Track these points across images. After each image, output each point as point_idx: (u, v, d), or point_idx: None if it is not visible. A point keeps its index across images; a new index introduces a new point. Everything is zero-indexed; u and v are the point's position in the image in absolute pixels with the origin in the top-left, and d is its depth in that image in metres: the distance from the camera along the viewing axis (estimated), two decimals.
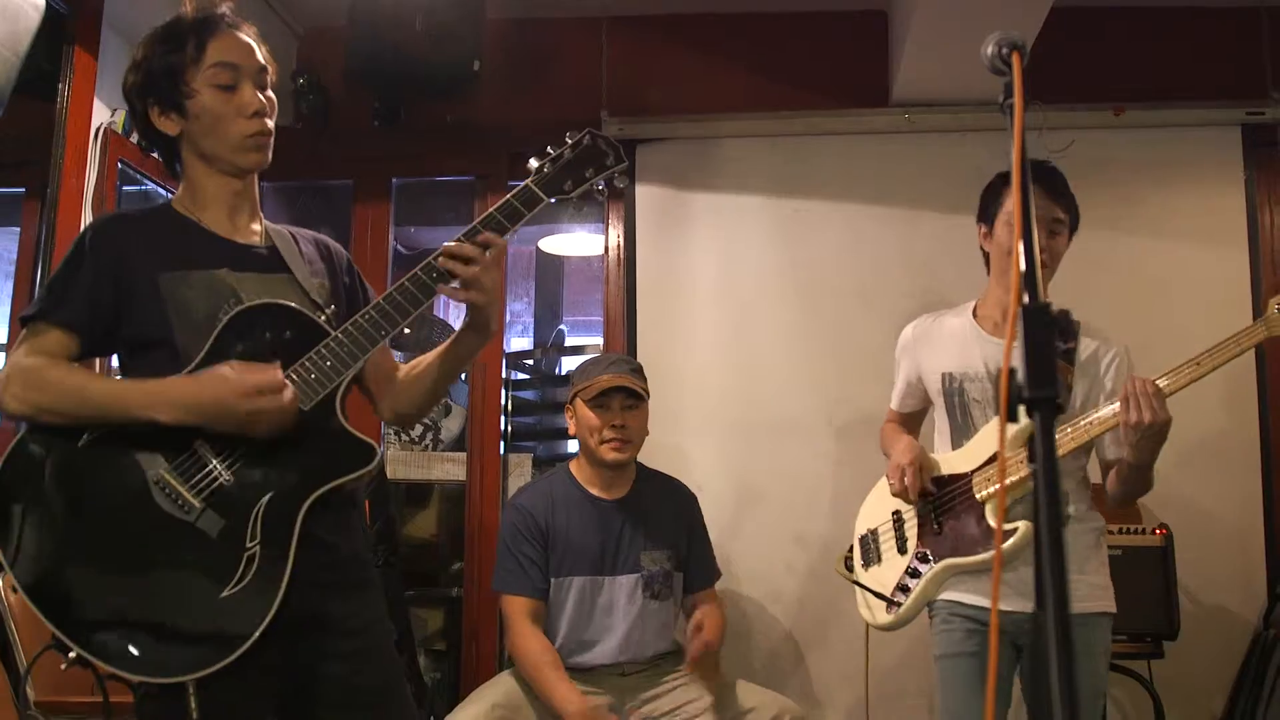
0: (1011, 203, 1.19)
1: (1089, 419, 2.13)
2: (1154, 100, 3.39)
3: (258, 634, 1.53)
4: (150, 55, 1.70)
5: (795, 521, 3.38)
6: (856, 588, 2.46)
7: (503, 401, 3.72)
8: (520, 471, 3.67)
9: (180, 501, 1.57)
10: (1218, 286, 3.31)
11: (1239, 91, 3.39)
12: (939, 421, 2.41)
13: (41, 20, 2.49)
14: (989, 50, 1.22)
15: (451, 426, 3.87)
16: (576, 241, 4.88)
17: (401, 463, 3.73)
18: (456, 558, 3.81)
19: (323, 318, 1.71)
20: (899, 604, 2.32)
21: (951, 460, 2.33)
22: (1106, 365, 2.25)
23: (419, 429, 3.82)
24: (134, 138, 1.78)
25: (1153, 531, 2.90)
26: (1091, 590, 2.20)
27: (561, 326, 5.20)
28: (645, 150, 3.58)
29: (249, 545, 1.57)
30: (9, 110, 2.46)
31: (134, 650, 1.51)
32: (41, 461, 1.58)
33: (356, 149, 3.71)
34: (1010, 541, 2.13)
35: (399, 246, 4.01)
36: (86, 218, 2.80)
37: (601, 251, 3.70)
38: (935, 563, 2.29)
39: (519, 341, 5.26)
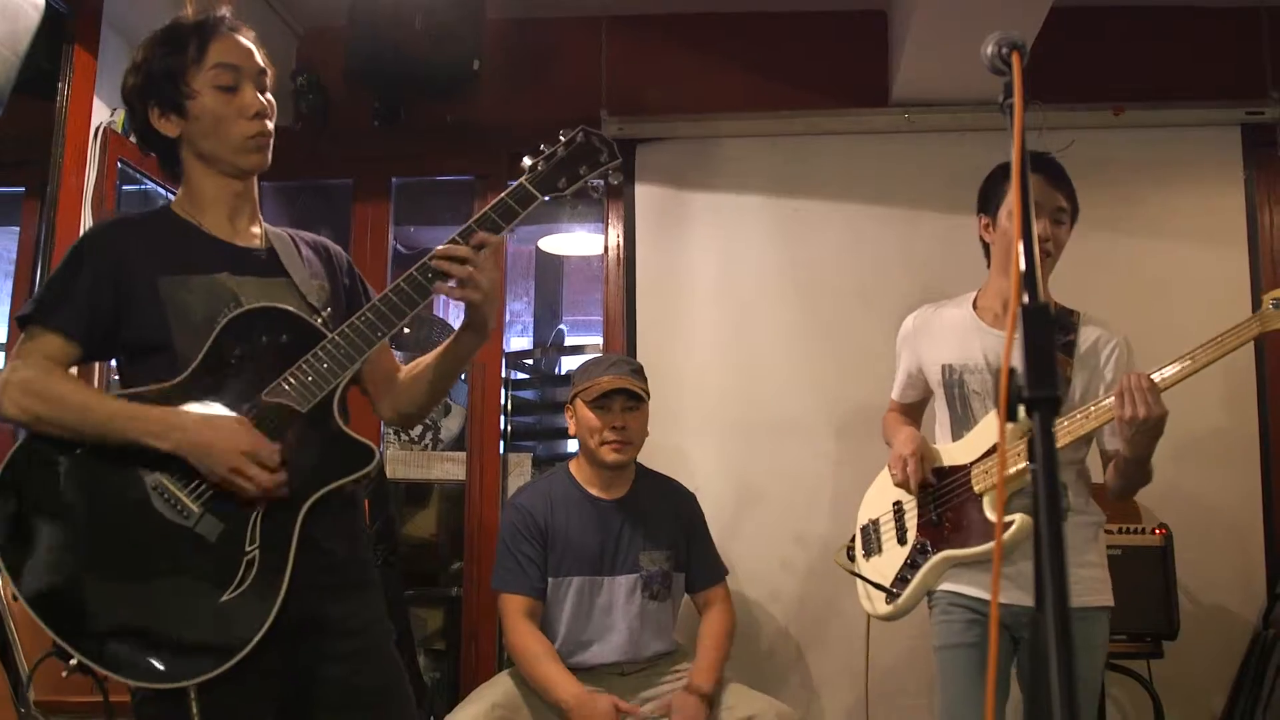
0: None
1: (1086, 411, 2.14)
2: (1154, 100, 3.39)
3: (258, 638, 1.53)
4: (150, 57, 1.70)
5: (795, 521, 3.38)
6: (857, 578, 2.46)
7: (502, 401, 3.73)
8: (520, 471, 3.67)
9: (179, 507, 1.57)
10: (1217, 286, 3.31)
11: (1239, 91, 3.39)
12: (939, 413, 2.41)
13: (41, 19, 2.49)
14: (989, 50, 1.22)
15: (451, 426, 3.87)
16: (576, 241, 4.88)
17: (401, 462, 3.73)
18: (456, 557, 3.82)
19: (319, 321, 1.71)
20: (898, 594, 2.33)
21: (951, 451, 2.33)
22: (1106, 356, 2.26)
23: (419, 428, 3.82)
24: (134, 137, 1.78)
25: (1152, 531, 2.90)
26: (1089, 584, 2.20)
27: (561, 326, 5.20)
28: (645, 150, 3.58)
29: (248, 549, 1.57)
30: (9, 109, 2.46)
31: (135, 656, 1.51)
32: (40, 468, 1.58)
33: (356, 149, 3.71)
34: (1007, 534, 2.14)
35: (399, 246, 4.01)
36: (86, 217, 2.80)
37: (601, 251, 3.70)
38: (934, 553, 2.29)
39: (518, 341, 5.26)
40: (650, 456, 2.91)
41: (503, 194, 1.73)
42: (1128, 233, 3.37)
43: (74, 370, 1.70)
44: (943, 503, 2.31)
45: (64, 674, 1.53)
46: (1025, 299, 0.96)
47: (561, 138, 1.77)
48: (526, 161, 1.76)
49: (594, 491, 2.79)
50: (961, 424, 2.34)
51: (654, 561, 2.76)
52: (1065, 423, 2.15)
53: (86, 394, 1.65)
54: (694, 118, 3.57)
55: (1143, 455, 2.11)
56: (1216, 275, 3.34)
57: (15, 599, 1.54)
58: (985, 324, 2.33)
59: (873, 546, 2.45)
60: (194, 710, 1.51)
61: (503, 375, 3.76)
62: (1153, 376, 2.03)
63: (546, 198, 1.75)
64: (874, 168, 3.51)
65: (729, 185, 3.57)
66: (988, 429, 2.27)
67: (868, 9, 3.58)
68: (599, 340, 3.76)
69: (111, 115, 2.88)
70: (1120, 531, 2.84)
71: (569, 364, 4.37)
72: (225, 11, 1.73)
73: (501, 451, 3.67)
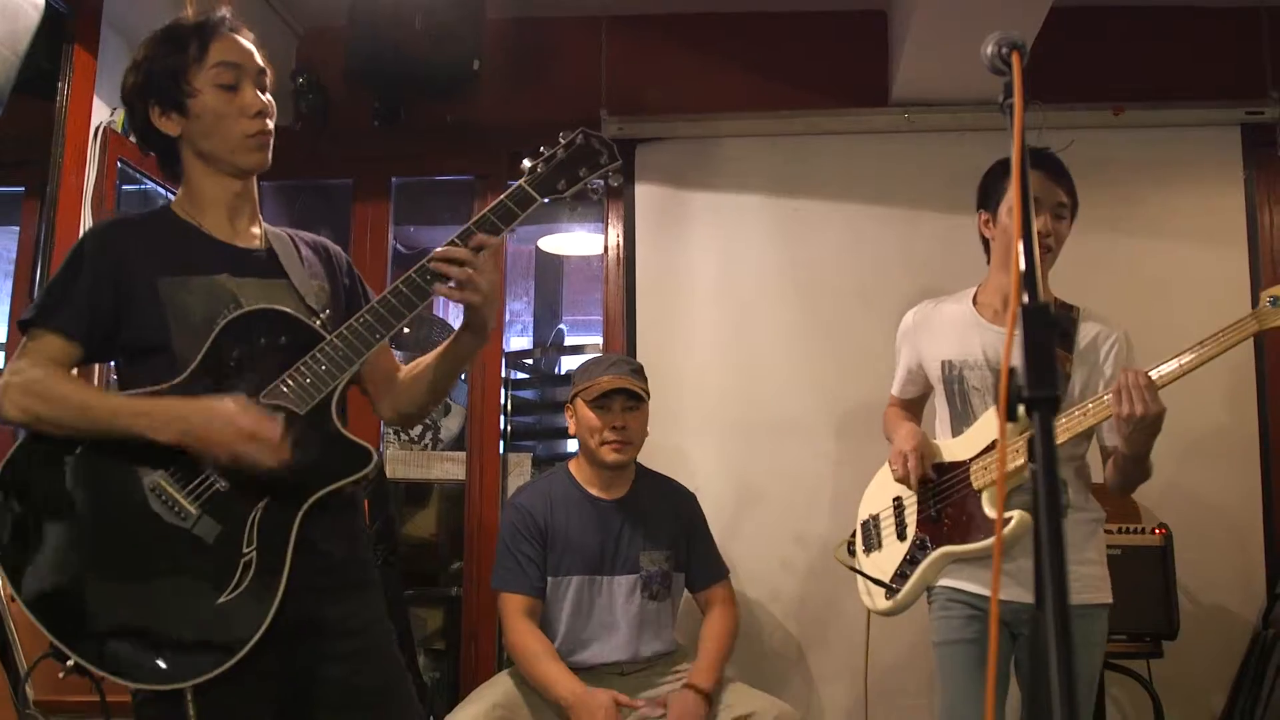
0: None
1: (1084, 408, 2.14)
2: (1154, 100, 3.39)
3: (255, 640, 1.53)
4: (151, 55, 1.70)
5: (795, 521, 3.38)
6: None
7: (502, 401, 3.73)
8: (520, 471, 3.67)
9: (177, 508, 1.57)
10: (1217, 286, 3.31)
11: (1239, 91, 3.38)
12: (939, 409, 2.42)
13: (41, 19, 2.49)
14: (989, 50, 1.22)
15: (451, 426, 3.88)
16: (576, 241, 4.88)
17: (401, 462, 3.73)
18: (456, 557, 3.82)
19: (318, 322, 1.71)
20: (898, 590, 2.34)
21: (951, 447, 2.34)
22: (1106, 352, 2.26)
23: (418, 428, 3.82)
24: (133, 137, 1.78)
25: (1152, 531, 2.90)
26: (1088, 582, 2.20)
27: (561, 326, 5.20)
28: (645, 150, 3.58)
29: (245, 551, 1.57)
30: (8, 109, 2.46)
31: (131, 657, 1.51)
32: (39, 468, 1.58)
33: (356, 148, 3.71)
34: (1006, 530, 2.14)
35: (398, 246, 4.01)
36: (86, 217, 2.80)
37: (601, 251, 3.70)
38: (933, 549, 2.30)
39: (518, 341, 5.26)
40: (650, 456, 2.91)
41: (502, 196, 1.73)
42: (1128, 233, 3.36)
43: (75, 371, 1.70)
44: (942, 499, 2.31)
45: (61, 674, 1.53)
46: (1025, 298, 0.96)
47: (561, 139, 1.77)
48: (526, 163, 1.76)
49: (594, 491, 2.79)
50: (961, 420, 2.34)
51: (654, 561, 2.76)
52: (1063, 419, 2.15)
53: (87, 392, 1.65)
54: (694, 118, 3.57)
55: (1141, 452, 2.11)
56: (1216, 275, 3.34)
57: (13, 599, 1.53)
58: (985, 320, 2.33)
59: (873, 542, 2.46)
60: (190, 712, 1.51)
61: (502, 375, 3.76)
62: (1150, 374, 2.04)
63: (546, 200, 1.74)
64: (874, 168, 3.51)
65: (729, 185, 3.57)
66: (987, 425, 2.27)
67: (868, 9, 3.58)
68: (599, 340, 3.76)
69: (111, 115, 2.88)
70: (1120, 531, 2.84)
71: (569, 364, 4.37)
72: (226, 12, 1.73)
73: (501, 451, 3.67)
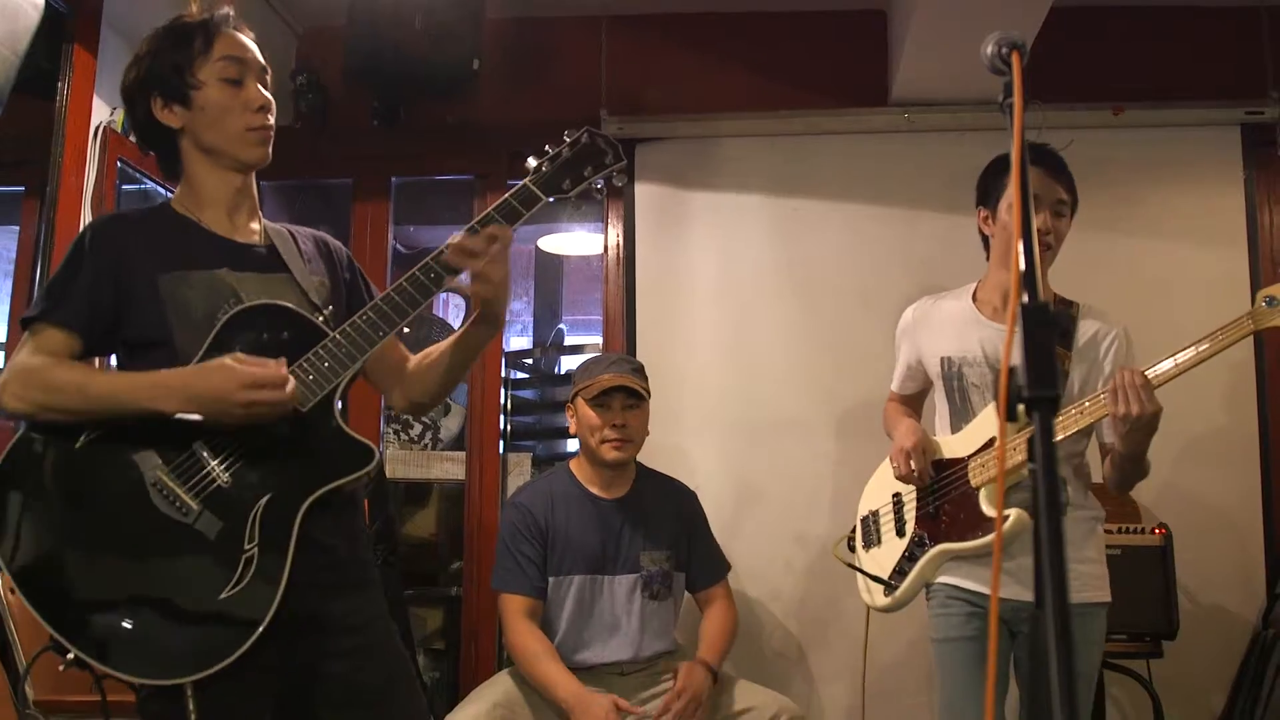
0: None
1: (1081, 407, 2.14)
2: (1153, 100, 3.39)
3: (256, 636, 1.53)
4: (156, 50, 1.71)
5: (795, 521, 3.38)
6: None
7: (502, 400, 3.73)
8: (519, 470, 3.67)
9: (178, 503, 1.57)
10: (1217, 286, 3.31)
11: (1239, 91, 3.38)
12: (939, 405, 2.42)
13: (41, 19, 2.49)
14: (989, 50, 1.22)
15: (451, 425, 3.88)
16: (576, 240, 4.89)
17: (401, 462, 3.73)
18: (456, 557, 3.82)
19: (320, 318, 1.71)
20: (896, 586, 2.34)
21: (950, 444, 2.34)
22: (1106, 348, 2.26)
23: (418, 428, 3.83)
24: (133, 137, 1.78)
25: (1152, 531, 2.90)
26: (1087, 580, 2.20)
27: (561, 325, 5.21)
28: (644, 149, 3.58)
29: (247, 547, 1.57)
30: (8, 109, 2.46)
31: (132, 652, 1.51)
32: (39, 462, 1.59)
33: (356, 148, 3.71)
34: (1004, 528, 2.14)
35: (398, 246, 4.01)
36: (86, 216, 2.81)
37: (601, 250, 3.70)
38: (931, 546, 2.30)
39: (518, 340, 5.27)
40: (650, 456, 2.92)
41: (506, 195, 1.73)
42: (1127, 232, 3.37)
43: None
44: (940, 495, 2.32)
45: (61, 668, 1.52)
46: (1025, 297, 0.96)
47: (566, 138, 1.77)
48: (531, 162, 1.76)
49: (595, 490, 2.79)
50: (960, 416, 2.34)
51: (654, 561, 2.76)
52: (1060, 418, 2.15)
53: (85, 374, 1.64)
54: (694, 117, 3.57)
55: (1137, 452, 2.11)
56: (1216, 275, 3.34)
57: (14, 592, 1.53)
58: (984, 317, 2.33)
59: (872, 538, 2.46)
60: (190, 707, 1.51)
61: (502, 375, 3.76)
62: (1147, 373, 2.04)
63: (551, 199, 1.74)
64: (873, 167, 3.51)
65: (729, 185, 3.57)
66: (986, 422, 2.27)
67: (868, 9, 3.58)
68: (599, 340, 3.76)
69: (111, 114, 2.89)
70: (1120, 531, 2.84)
71: (569, 363, 4.37)
72: (229, 10, 1.74)
73: (501, 451, 3.67)
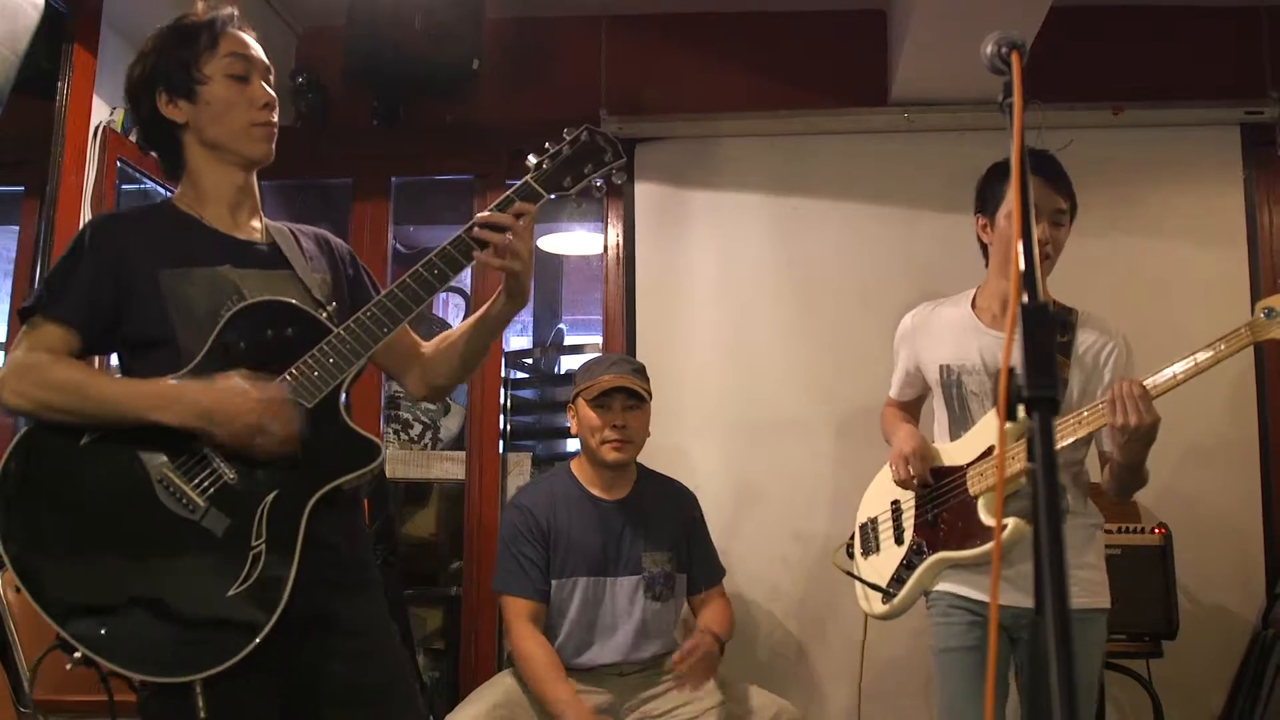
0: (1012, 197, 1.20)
1: (1079, 416, 2.13)
2: (1153, 100, 3.39)
3: (265, 632, 1.53)
4: (162, 46, 1.72)
5: (795, 521, 3.38)
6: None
7: (502, 400, 3.73)
8: (519, 470, 3.67)
9: (185, 500, 1.57)
10: (1216, 286, 3.31)
11: (1238, 91, 3.38)
12: (937, 412, 2.41)
13: (41, 19, 2.49)
14: (988, 50, 1.22)
15: (450, 425, 3.87)
16: (575, 240, 4.88)
17: (400, 461, 3.72)
18: (455, 557, 3.81)
19: (324, 314, 1.71)
20: (894, 594, 2.33)
21: (949, 452, 2.33)
22: (1105, 357, 2.25)
23: (418, 428, 3.82)
24: (133, 136, 1.78)
25: (1151, 531, 2.90)
26: (1086, 586, 2.20)
27: (561, 325, 5.20)
28: (644, 149, 3.58)
29: (254, 544, 1.56)
30: (8, 109, 2.46)
31: (140, 650, 1.51)
32: (44, 459, 1.58)
33: (355, 148, 3.71)
34: (1001, 538, 2.14)
35: (398, 245, 4.01)
36: (85, 216, 2.80)
37: (601, 250, 3.70)
38: (930, 555, 2.29)
39: (518, 340, 5.26)
40: (650, 456, 2.91)
41: (508, 191, 1.73)
42: (1127, 233, 3.36)
43: None
44: (939, 504, 2.31)
45: (68, 667, 1.52)
46: (1025, 298, 0.96)
47: (566, 136, 1.77)
48: (531, 159, 1.76)
49: (595, 492, 2.79)
50: (959, 424, 2.34)
51: (656, 563, 2.75)
52: (1059, 426, 2.14)
53: (85, 375, 1.63)
54: (693, 117, 3.57)
55: (1135, 461, 2.10)
56: (1216, 275, 3.34)
57: (18, 590, 1.53)
58: (983, 324, 2.33)
59: (871, 545, 2.46)
60: (200, 705, 1.51)
61: (502, 374, 3.76)
62: (1145, 383, 2.03)
63: (552, 196, 1.75)
64: (873, 167, 3.51)
65: (728, 184, 3.57)
66: (985, 430, 2.27)
67: (867, 9, 3.58)
68: (599, 340, 3.76)
69: (111, 114, 2.89)
70: (1119, 531, 2.84)
71: (569, 363, 4.37)
72: (233, 10, 1.75)
73: (501, 451, 3.67)
